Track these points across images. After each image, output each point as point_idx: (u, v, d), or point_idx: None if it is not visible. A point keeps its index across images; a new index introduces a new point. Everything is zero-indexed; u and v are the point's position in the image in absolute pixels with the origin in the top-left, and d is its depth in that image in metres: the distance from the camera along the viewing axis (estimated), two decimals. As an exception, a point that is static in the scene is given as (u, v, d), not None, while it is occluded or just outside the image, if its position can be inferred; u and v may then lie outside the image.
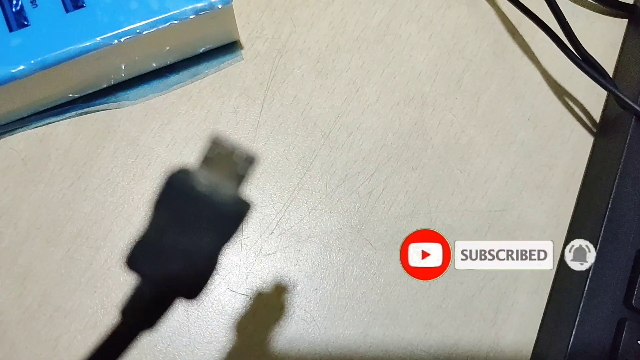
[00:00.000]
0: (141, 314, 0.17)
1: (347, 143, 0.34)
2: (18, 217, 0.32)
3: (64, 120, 0.33)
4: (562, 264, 0.33)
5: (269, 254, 0.32)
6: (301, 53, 0.35)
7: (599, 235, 0.31)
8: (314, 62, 0.35)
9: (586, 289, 0.30)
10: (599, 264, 0.30)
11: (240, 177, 0.18)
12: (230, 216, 0.17)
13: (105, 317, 0.30)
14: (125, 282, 0.31)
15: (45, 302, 0.31)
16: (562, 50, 0.34)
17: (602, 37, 0.38)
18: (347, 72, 0.35)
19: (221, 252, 0.17)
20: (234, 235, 0.17)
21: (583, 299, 0.30)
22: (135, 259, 0.16)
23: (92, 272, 0.31)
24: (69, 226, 0.32)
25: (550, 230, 0.34)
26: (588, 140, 0.36)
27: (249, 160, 0.18)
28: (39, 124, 0.33)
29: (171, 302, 0.17)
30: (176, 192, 0.17)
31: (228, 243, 0.17)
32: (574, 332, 0.29)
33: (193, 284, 0.17)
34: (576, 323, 0.30)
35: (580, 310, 0.30)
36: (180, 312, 0.31)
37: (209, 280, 0.17)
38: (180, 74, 0.34)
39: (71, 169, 0.32)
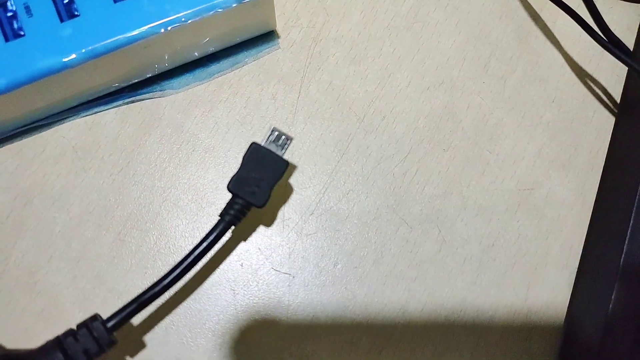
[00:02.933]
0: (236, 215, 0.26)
1: (381, 126, 0.32)
2: (70, 203, 0.30)
3: (112, 109, 0.31)
4: (590, 237, 0.31)
5: (310, 234, 0.30)
6: (335, 41, 0.33)
7: (632, 210, 0.29)
8: (348, 50, 0.33)
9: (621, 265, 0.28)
10: (633, 240, 0.28)
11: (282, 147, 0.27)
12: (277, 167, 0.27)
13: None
14: (173, 263, 0.29)
15: (99, 284, 0.29)
16: (587, 32, 0.32)
17: (620, 21, 0.35)
18: (379, 58, 0.33)
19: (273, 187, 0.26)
20: (280, 177, 0.27)
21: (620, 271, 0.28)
22: (232, 185, 0.26)
23: (142, 254, 0.29)
24: (119, 211, 0.30)
25: (577, 207, 0.32)
26: (610, 120, 0.34)
27: (287, 137, 0.27)
28: (88, 113, 0.31)
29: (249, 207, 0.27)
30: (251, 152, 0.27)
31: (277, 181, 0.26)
32: (613, 298, 0.27)
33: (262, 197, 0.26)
34: (614, 290, 0.28)
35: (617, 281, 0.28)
36: (227, 290, 0.29)
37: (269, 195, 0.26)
38: (221, 62, 0.32)
39: (120, 155, 0.30)
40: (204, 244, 0.26)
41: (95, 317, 0.25)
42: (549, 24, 0.35)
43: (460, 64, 0.34)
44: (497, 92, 0.33)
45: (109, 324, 0.25)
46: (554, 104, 0.34)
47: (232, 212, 0.26)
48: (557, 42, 0.35)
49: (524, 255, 0.31)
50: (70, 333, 0.24)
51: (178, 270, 0.25)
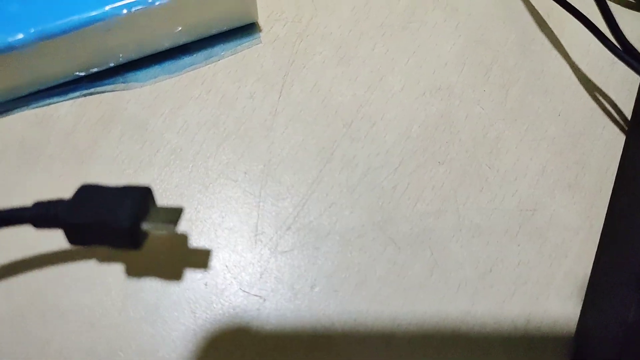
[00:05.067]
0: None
1: (370, 134, 0.28)
2: (14, 204, 0.26)
3: (67, 101, 0.27)
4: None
5: (286, 251, 0.26)
6: (322, 38, 0.29)
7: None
8: (336, 48, 0.29)
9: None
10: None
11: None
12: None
13: (104, 316, 0.24)
14: (128, 276, 0.25)
15: (38, 302, 0.24)
16: (599, 40, 0.29)
17: (631, 32, 0.32)
18: (370, 59, 0.30)
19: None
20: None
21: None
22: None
23: (91, 267, 0.25)
24: (68, 216, 0.25)
25: (584, 232, 0.28)
26: (620, 137, 0.30)
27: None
28: (39, 104, 0.27)
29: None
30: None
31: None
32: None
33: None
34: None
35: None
36: (187, 313, 0.25)
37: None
38: (194, 55, 0.28)
39: (72, 153, 0.26)
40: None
41: None
42: (555, 31, 0.32)
43: (460, 69, 0.30)
44: (498, 102, 0.30)
45: None
46: (560, 118, 0.30)
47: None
48: (564, 51, 0.31)
49: (524, 283, 0.27)
50: None
51: None
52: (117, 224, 0.19)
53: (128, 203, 0.19)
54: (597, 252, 0.28)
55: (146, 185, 0.20)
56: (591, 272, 0.27)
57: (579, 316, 0.27)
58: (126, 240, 0.20)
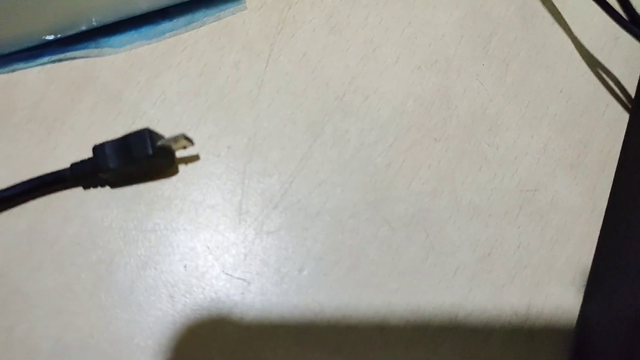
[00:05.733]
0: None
1: (362, 108, 0.26)
2: (-27, 179, 0.23)
3: (35, 68, 0.25)
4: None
5: (272, 232, 0.24)
6: (312, 5, 0.27)
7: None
8: (327, 17, 0.27)
9: None
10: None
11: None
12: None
13: (73, 301, 0.22)
14: (99, 255, 0.23)
15: (4, 283, 0.22)
16: (605, 11, 0.27)
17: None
18: (364, 29, 0.28)
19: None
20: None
21: None
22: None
23: (59, 247, 0.23)
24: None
25: (586, 214, 0.27)
26: (623, 116, 0.29)
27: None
28: (4, 70, 0.24)
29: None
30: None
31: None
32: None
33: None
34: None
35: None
36: (164, 297, 0.23)
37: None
38: (174, 21, 0.26)
39: (40, 124, 0.24)
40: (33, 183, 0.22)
41: None
42: (557, 5, 0.30)
43: (457, 41, 0.28)
44: (498, 76, 0.28)
45: None
46: (562, 95, 0.28)
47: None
48: (567, 25, 0.30)
49: (524, 267, 0.26)
50: None
51: None
52: (144, 153, 0.22)
53: (141, 137, 0.22)
54: (600, 234, 0.26)
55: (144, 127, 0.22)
56: (594, 256, 0.26)
57: (581, 303, 0.25)
58: (155, 162, 0.23)
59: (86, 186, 0.23)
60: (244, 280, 0.23)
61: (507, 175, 0.27)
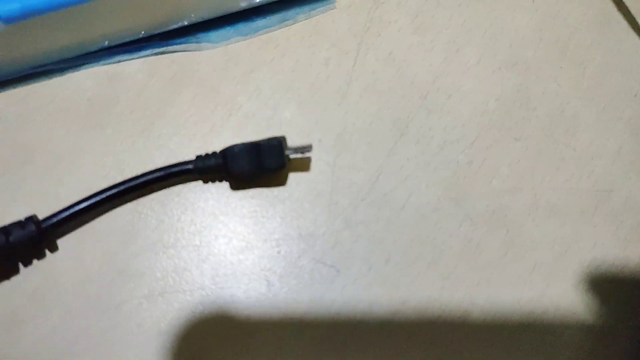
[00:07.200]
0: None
1: (446, 106, 0.27)
2: (80, 165, 0.24)
3: (138, 60, 0.26)
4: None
5: (359, 223, 0.25)
6: (398, 6, 0.28)
7: None
8: (412, 17, 0.28)
9: None
10: None
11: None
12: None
13: (167, 284, 0.23)
14: (198, 242, 0.24)
15: (108, 262, 0.23)
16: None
17: None
18: (447, 30, 0.28)
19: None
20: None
21: None
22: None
23: (161, 230, 0.24)
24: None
25: (660, 216, 0.27)
26: (697, 122, 0.29)
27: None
28: (109, 61, 0.25)
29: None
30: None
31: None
32: None
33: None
34: None
35: None
36: (262, 280, 0.24)
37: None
38: (268, 18, 0.27)
39: (143, 114, 0.25)
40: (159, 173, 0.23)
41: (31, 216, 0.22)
42: (632, 10, 0.30)
43: (536, 44, 0.29)
44: (575, 79, 0.28)
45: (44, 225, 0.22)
46: (636, 99, 0.29)
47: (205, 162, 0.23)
48: (641, 31, 0.30)
49: (598, 265, 0.26)
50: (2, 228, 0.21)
51: (123, 187, 0.23)
52: (278, 163, 0.23)
53: (275, 147, 0.23)
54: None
55: (281, 135, 0.24)
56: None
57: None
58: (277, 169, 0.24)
59: (205, 180, 0.24)
60: (334, 268, 0.24)
61: (584, 175, 0.27)
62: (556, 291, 0.25)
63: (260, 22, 0.27)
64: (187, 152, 0.25)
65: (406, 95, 0.27)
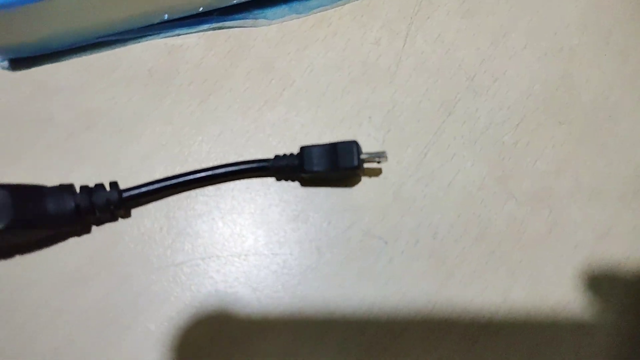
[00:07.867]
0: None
1: (492, 89, 0.28)
2: (140, 133, 0.25)
3: (196, 34, 0.26)
4: None
5: (407, 198, 0.26)
6: (447, -10, 0.29)
7: None
8: (460, 1, 0.29)
9: None
10: None
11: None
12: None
13: (230, 245, 0.24)
14: (259, 220, 0.24)
15: (170, 226, 0.24)
16: None
17: None
18: (494, 15, 0.29)
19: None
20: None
21: None
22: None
23: (218, 198, 0.25)
24: (196, 147, 0.25)
25: (699, 203, 0.28)
26: None
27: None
28: (169, 34, 0.26)
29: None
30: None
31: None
32: None
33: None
34: None
35: None
36: (312, 251, 0.24)
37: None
38: (322, -3, 0.28)
39: (201, 85, 0.26)
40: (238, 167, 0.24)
41: (114, 183, 0.23)
42: (675, 2, 0.31)
43: (581, 32, 0.29)
44: (618, 67, 0.29)
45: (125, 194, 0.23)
46: (678, 89, 0.29)
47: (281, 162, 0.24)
48: (684, 22, 0.30)
49: (637, 249, 0.27)
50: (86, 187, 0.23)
51: (203, 174, 0.24)
52: (350, 164, 0.23)
53: (349, 149, 0.23)
54: None
55: (353, 139, 0.24)
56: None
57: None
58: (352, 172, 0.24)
59: (278, 179, 0.25)
60: (382, 239, 0.25)
61: (624, 161, 0.28)
62: (597, 272, 0.26)
63: (314, 1, 0.27)
64: (242, 125, 0.25)
65: (454, 77, 0.27)
